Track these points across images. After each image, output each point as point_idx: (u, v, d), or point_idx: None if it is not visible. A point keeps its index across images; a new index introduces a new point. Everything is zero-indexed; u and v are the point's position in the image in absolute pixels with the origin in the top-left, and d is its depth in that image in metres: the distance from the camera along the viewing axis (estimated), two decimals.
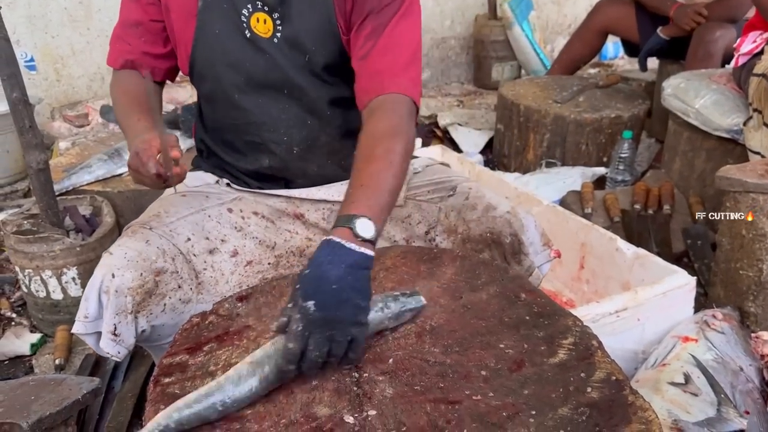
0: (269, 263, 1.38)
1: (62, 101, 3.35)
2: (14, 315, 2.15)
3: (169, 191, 1.42)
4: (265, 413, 0.85)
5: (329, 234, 0.97)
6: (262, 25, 1.28)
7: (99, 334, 1.19)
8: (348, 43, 1.30)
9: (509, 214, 1.35)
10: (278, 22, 1.28)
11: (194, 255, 1.29)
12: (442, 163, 1.62)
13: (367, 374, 0.93)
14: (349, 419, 0.84)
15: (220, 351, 0.99)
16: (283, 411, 0.86)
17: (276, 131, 1.36)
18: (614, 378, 0.89)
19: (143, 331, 1.21)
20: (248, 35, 1.28)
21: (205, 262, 1.30)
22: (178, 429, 0.81)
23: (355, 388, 0.90)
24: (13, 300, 2.22)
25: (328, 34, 1.29)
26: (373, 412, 0.85)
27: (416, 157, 1.57)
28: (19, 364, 1.95)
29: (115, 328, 1.17)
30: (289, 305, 0.91)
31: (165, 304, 1.22)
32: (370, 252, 0.96)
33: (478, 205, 1.37)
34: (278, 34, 1.29)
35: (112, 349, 1.18)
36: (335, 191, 1.42)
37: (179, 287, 1.24)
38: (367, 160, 1.10)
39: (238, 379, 0.84)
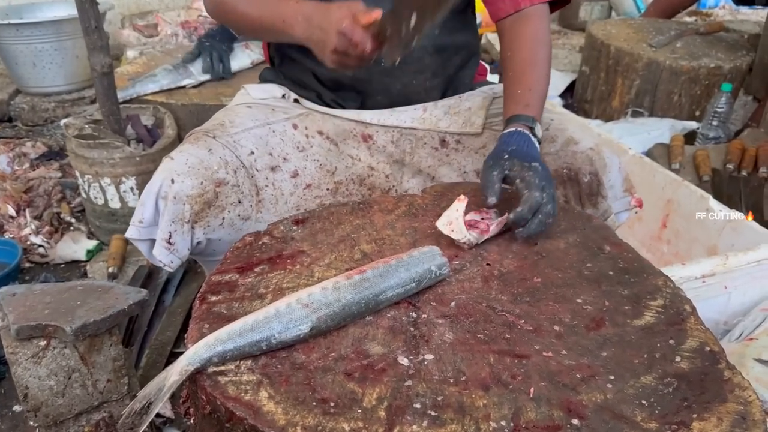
0: (328, 189, 1.31)
1: (133, 11, 3.32)
2: (73, 220, 2.17)
3: (236, 101, 1.35)
4: (313, 344, 0.79)
5: (511, 125, 1.12)
6: None
7: (152, 241, 1.15)
8: None
9: (592, 151, 1.22)
10: None
11: (257, 170, 1.23)
12: None
13: (425, 315, 0.85)
14: (404, 361, 0.76)
15: (272, 274, 0.93)
16: (333, 344, 0.79)
17: None
18: (708, 349, 0.80)
19: (199, 243, 1.17)
20: None
21: (266, 178, 1.24)
22: (220, 362, 0.75)
23: (411, 329, 0.82)
24: (73, 205, 2.24)
25: None
26: (430, 357, 0.77)
27: (496, 83, 1.44)
28: (74, 269, 1.97)
29: (170, 236, 1.13)
30: (515, 170, 1.04)
31: (224, 218, 1.17)
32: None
33: (558, 137, 1.25)
34: None
35: (165, 258, 1.14)
36: (407, 117, 1.33)
37: (239, 202, 1.19)
38: (533, 63, 1.20)
39: (288, 320, 0.77)
